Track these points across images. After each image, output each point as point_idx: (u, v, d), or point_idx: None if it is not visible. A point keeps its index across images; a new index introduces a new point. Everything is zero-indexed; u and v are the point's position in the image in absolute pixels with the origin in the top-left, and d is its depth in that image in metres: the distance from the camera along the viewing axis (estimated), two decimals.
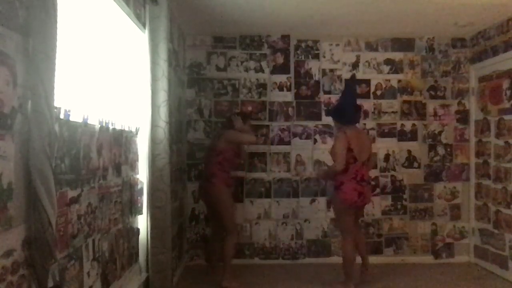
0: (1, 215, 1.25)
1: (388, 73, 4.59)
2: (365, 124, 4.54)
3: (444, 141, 4.59)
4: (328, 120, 4.47)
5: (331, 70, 4.57)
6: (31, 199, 1.37)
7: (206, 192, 3.80)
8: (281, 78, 4.56)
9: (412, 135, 4.58)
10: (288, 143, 4.54)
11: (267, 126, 4.53)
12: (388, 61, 4.59)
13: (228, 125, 3.89)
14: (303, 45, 4.57)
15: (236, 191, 4.43)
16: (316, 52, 4.57)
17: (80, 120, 1.87)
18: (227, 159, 3.70)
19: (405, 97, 4.59)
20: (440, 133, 4.59)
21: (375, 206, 4.52)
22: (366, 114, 4.54)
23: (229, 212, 3.71)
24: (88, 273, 1.97)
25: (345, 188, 3.44)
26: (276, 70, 4.56)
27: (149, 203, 2.93)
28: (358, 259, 3.71)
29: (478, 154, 4.43)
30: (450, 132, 4.60)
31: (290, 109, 4.55)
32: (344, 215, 3.55)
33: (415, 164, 4.58)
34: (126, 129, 2.63)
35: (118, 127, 2.45)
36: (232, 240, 3.70)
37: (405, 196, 4.57)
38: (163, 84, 2.95)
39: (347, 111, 3.59)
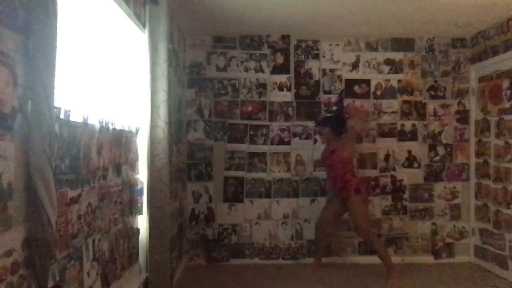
0: (1, 215, 1.25)
1: (388, 73, 4.59)
2: None
3: (444, 141, 4.59)
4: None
5: (331, 70, 4.57)
6: (31, 199, 1.37)
7: None
8: (281, 78, 4.56)
9: (412, 135, 4.58)
10: (288, 143, 4.54)
11: (267, 126, 4.53)
12: (388, 61, 4.59)
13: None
14: (303, 45, 4.57)
15: (236, 191, 4.44)
16: (316, 52, 4.57)
17: (80, 120, 1.87)
18: None
19: (405, 97, 4.58)
20: (440, 133, 4.59)
21: (375, 206, 4.52)
22: None
23: None
24: (88, 273, 1.97)
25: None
26: (276, 70, 4.56)
27: (148, 203, 2.93)
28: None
29: (478, 154, 4.43)
30: (450, 132, 4.59)
31: (290, 109, 4.55)
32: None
33: (415, 164, 4.58)
34: (126, 129, 2.63)
35: (118, 127, 2.45)
36: None
37: (405, 196, 4.56)
38: (162, 84, 2.95)
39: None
